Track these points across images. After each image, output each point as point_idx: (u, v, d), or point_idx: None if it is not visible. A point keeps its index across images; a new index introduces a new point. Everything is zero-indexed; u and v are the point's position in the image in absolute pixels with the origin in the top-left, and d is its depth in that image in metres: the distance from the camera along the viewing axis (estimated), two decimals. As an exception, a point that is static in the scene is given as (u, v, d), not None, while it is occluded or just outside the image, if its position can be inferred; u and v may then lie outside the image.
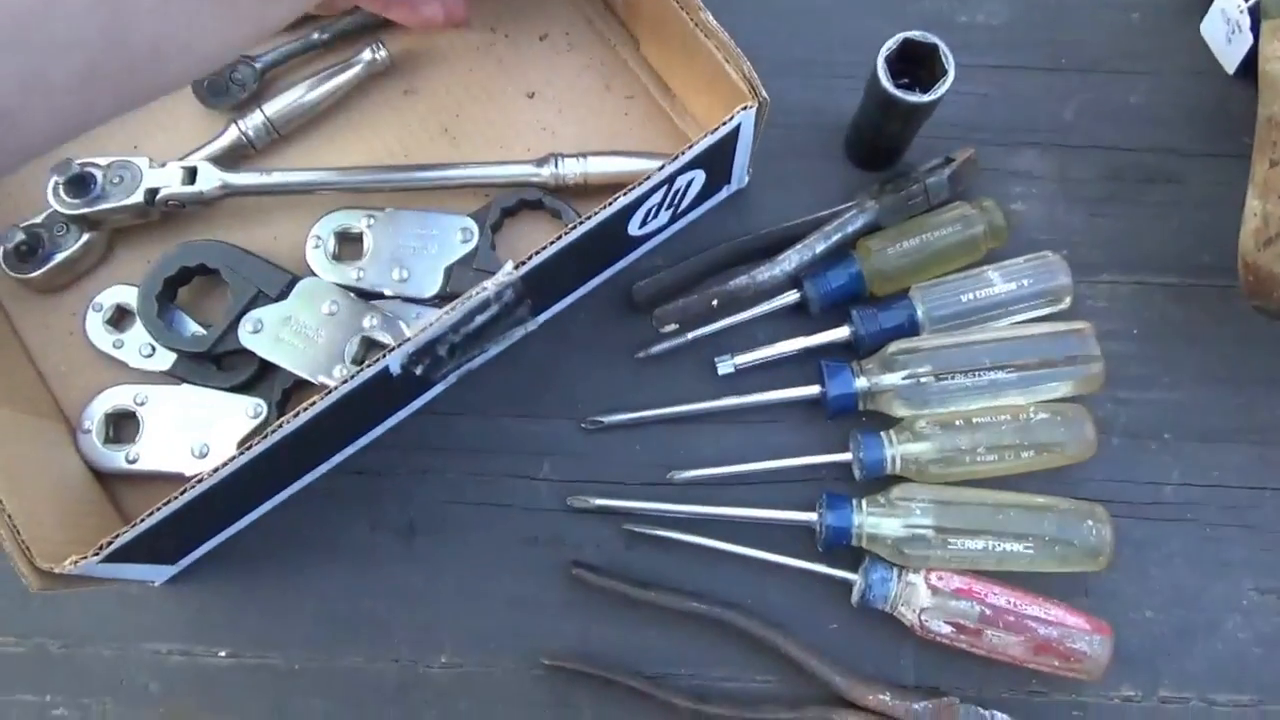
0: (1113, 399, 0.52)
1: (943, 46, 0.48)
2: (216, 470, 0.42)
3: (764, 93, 0.46)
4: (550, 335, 0.53)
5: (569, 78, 0.58)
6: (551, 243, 0.45)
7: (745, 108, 0.46)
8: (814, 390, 0.51)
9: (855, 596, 0.48)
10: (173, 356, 0.52)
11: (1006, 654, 0.46)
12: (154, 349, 0.53)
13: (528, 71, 0.58)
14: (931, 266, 0.52)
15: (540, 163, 0.53)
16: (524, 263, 0.45)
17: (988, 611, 0.46)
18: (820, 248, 0.52)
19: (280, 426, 0.43)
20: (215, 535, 0.51)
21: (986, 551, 0.46)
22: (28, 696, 0.50)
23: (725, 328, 0.53)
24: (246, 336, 0.51)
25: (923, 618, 0.46)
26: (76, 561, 0.41)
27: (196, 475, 0.42)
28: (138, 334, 0.53)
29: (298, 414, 0.43)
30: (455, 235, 0.53)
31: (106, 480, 0.52)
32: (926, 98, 0.48)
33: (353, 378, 0.43)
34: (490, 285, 0.45)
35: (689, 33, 0.49)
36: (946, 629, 0.46)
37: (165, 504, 0.42)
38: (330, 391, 0.43)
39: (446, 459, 0.53)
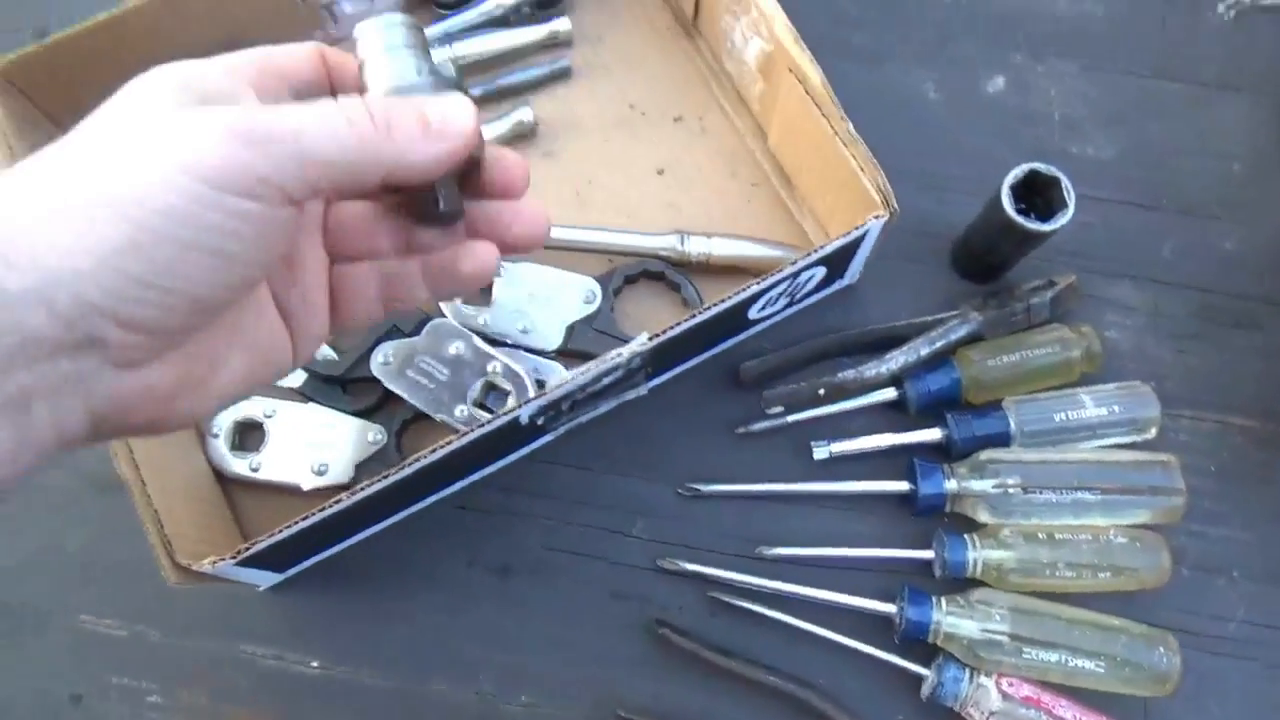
0: (1187, 531, 0.55)
1: (1065, 181, 0.51)
2: (355, 491, 0.45)
3: (895, 204, 0.49)
4: (657, 401, 0.56)
5: (698, 160, 0.61)
6: (688, 318, 0.48)
7: (877, 216, 0.49)
8: (903, 486, 0.54)
9: (926, 691, 0.50)
10: (303, 375, 0.56)
11: (1066, 765, 0.48)
12: (284, 366, 0.56)
13: (660, 149, 0.62)
14: (1026, 382, 0.55)
15: (670, 236, 0.57)
16: (658, 335, 0.48)
17: (1054, 722, 0.48)
18: (924, 351, 0.55)
19: (417, 460, 0.45)
20: (324, 550, 0.54)
21: (1059, 664, 0.48)
22: (125, 680, 0.53)
23: (823, 415, 0.56)
24: (377, 367, 0.54)
25: (990, 720, 0.48)
26: (215, 562, 0.44)
27: (334, 497, 0.45)
28: (270, 350, 0.56)
29: (435, 450, 0.46)
30: (580, 295, 0.56)
31: (226, 484, 0.55)
32: (1047, 227, 0.51)
33: (487, 422, 0.46)
34: (625, 352, 0.48)
35: (827, 139, 0.52)
36: (1012, 733, 0.48)
37: (305, 518, 0.45)
38: (466, 433, 0.46)
39: (546, 505, 0.55)
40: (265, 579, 0.52)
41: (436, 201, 0.35)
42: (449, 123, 0.33)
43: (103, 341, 0.29)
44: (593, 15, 0.64)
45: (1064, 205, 0.51)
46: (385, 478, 0.46)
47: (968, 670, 0.50)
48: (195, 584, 0.46)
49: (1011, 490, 0.51)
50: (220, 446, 0.54)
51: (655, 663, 0.53)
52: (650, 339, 0.48)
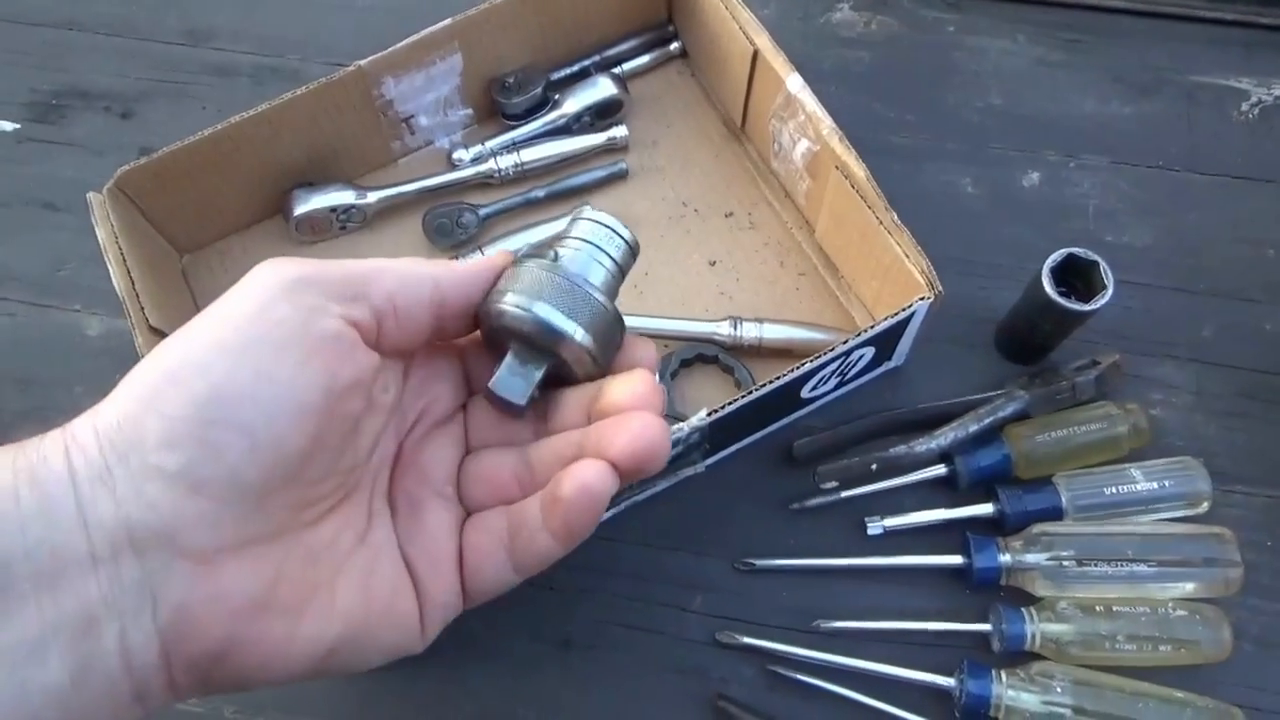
0: (1245, 605, 0.54)
1: (1103, 264, 0.54)
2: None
3: (940, 286, 0.52)
4: (713, 479, 0.58)
5: (748, 252, 0.65)
6: (742, 396, 0.50)
7: (923, 298, 0.52)
8: (957, 560, 0.55)
9: (989, 765, 0.50)
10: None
11: (1138, 844, 0.47)
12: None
13: (711, 242, 0.65)
14: (1075, 458, 0.56)
15: (723, 323, 0.60)
16: (716, 411, 0.50)
17: (1122, 798, 0.47)
18: (973, 428, 0.56)
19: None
20: (393, 624, 0.55)
21: (1123, 738, 0.48)
22: (200, 753, 0.54)
23: (876, 491, 0.57)
24: (447, 446, 0.57)
25: (1057, 795, 0.48)
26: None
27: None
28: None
29: (503, 521, 0.48)
30: (638, 378, 0.59)
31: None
32: (1086, 307, 0.53)
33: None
34: (685, 427, 0.50)
35: (872, 228, 0.55)
36: (1080, 810, 0.48)
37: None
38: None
39: (607, 581, 0.57)
40: (338, 651, 0.54)
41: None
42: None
43: (168, 524, 0.28)
44: (648, 122, 0.69)
45: (1103, 287, 0.53)
46: (458, 547, 0.48)
47: (1031, 745, 0.49)
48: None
49: (1066, 563, 0.52)
50: (298, 523, 0.57)
51: (716, 738, 0.53)
52: (709, 414, 0.50)
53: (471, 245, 0.64)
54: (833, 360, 0.53)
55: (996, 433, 0.57)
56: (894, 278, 0.55)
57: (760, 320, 0.60)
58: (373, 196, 0.64)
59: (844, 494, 0.57)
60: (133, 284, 0.54)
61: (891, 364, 0.61)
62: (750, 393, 0.51)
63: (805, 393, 0.56)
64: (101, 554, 0.27)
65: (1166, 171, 0.68)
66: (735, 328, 0.60)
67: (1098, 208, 0.67)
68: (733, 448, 0.59)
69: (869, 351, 0.55)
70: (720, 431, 0.54)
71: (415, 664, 0.55)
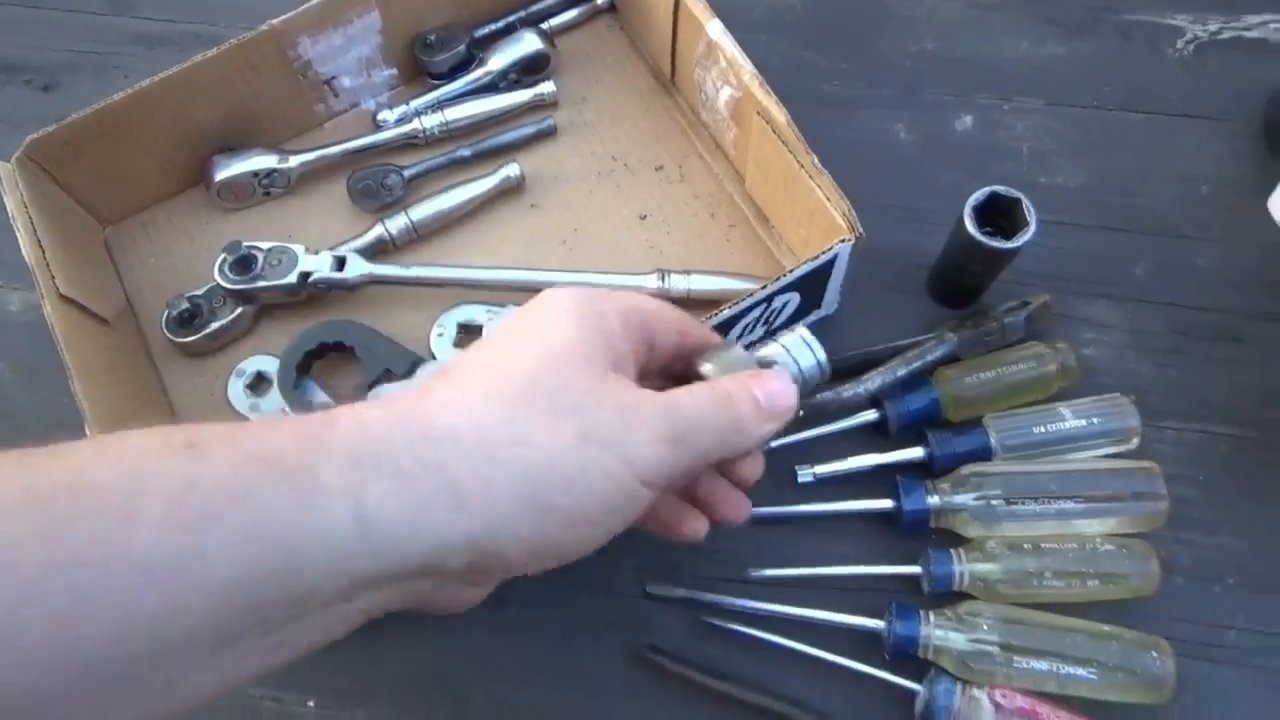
0: (1176, 539, 0.54)
1: (1025, 200, 0.53)
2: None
3: (860, 228, 0.52)
4: (644, 432, 0.58)
5: (678, 204, 0.64)
6: (661, 344, 0.50)
7: (843, 240, 0.51)
8: (888, 504, 0.54)
9: (919, 707, 0.49)
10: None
11: (1065, 778, 0.47)
12: (286, 414, 0.58)
13: (642, 196, 0.65)
14: (1005, 398, 0.56)
15: (650, 275, 0.59)
16: (635, 360, 0.49)
17: (1049, 733, 0.47)
18: (901, 372, 0.56)
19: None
20: (321, 588, 0.55)
21: (1051, 673, 0.48)
22: (130, 724, 0.54)
23: (806, 439, 0.57)
24: (373, 408, 0.56)
25: (985, 732, 0.48)
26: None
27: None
28: (273, 399, 0.59)
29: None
30: (566, 334, 0.59)
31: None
32: (1009, 245, 0.52)
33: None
34: (603, 377, 0.49)
35: (794, 173, 0.55)
36: (1008, 746, 0.48)
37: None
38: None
39: (538, 538, 0.56)
40: (265, 617, 0.54)
41: None
42: (777, 401, 0.39)
43: (462, 574, 0.34)
44: (576, 78, 0.68)
45: (1026, 225, 0.53)
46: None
47: (960, 684, 0.49)
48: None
49: (994, 503, 0.52)
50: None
51: (645, 690, 0.53)
52: (627, 363, 0.50)
53: (397, 207, 0.63)
54: (754, 307, 0.52)
55: (926, 376, 0.57)
56: (818, 222, 0.55)
57: (688, 272, 0.59)
58: (295, 160, 0.63)
59: (773, 443, 0.56)
60: (43, 253, 0.53)
61: (823, 312, 0.60)
62: (669, 341, 0.50)
63: (731, 342, 0.55)
64: (394, 576, 0.32)
65: (1101, 111, 0.68)
66: (663, 280, 0.59)
67: (1031, 150, 0.66)
68: (663, 401, 0.58)
69: (794, 298, 0.55)
70: (646, 383, 0.53)
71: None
